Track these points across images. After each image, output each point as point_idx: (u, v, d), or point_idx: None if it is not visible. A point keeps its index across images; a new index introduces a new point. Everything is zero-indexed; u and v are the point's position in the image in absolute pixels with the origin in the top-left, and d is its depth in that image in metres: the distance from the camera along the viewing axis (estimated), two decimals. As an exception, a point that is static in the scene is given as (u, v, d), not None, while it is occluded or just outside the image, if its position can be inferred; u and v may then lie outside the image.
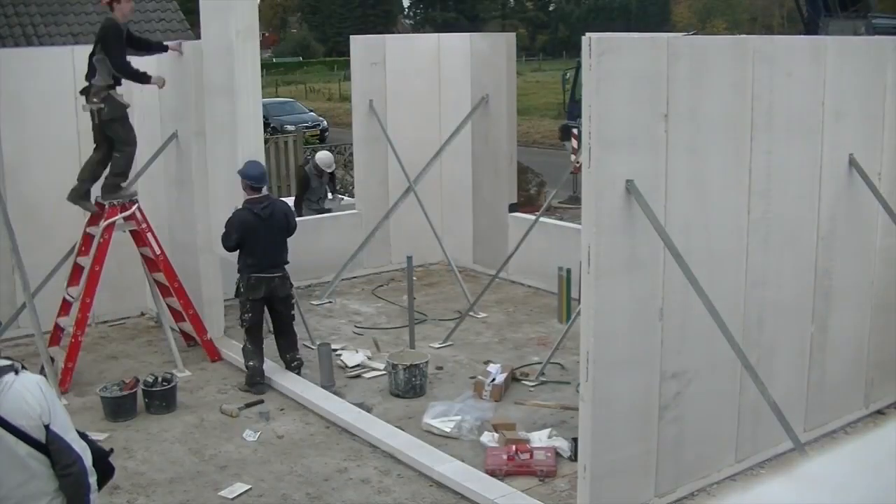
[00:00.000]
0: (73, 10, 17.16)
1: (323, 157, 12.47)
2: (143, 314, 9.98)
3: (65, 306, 8.51)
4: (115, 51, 7.99)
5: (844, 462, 1.12)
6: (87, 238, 8.44)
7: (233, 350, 8.56)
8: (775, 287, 6.32)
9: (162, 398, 7.49)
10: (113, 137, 8.30)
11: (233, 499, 6.12)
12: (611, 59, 5.17)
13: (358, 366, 8.41)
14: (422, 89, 11.55)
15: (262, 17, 74.69)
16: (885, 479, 1.07)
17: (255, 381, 7.85)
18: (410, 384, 7.71)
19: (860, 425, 7.11)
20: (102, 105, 8.08)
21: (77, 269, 8.46)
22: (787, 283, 6.44)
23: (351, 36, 11.94)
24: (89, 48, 8.27)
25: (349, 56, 11.58)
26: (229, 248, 7.85)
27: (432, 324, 9.72)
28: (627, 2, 69.46)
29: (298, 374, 7.99)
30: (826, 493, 1.05)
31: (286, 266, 7.95)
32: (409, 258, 8.71)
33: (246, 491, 6.20)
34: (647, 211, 5.29)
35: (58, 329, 8.50)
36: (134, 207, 8.40)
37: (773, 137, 6.11)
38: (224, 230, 7.82)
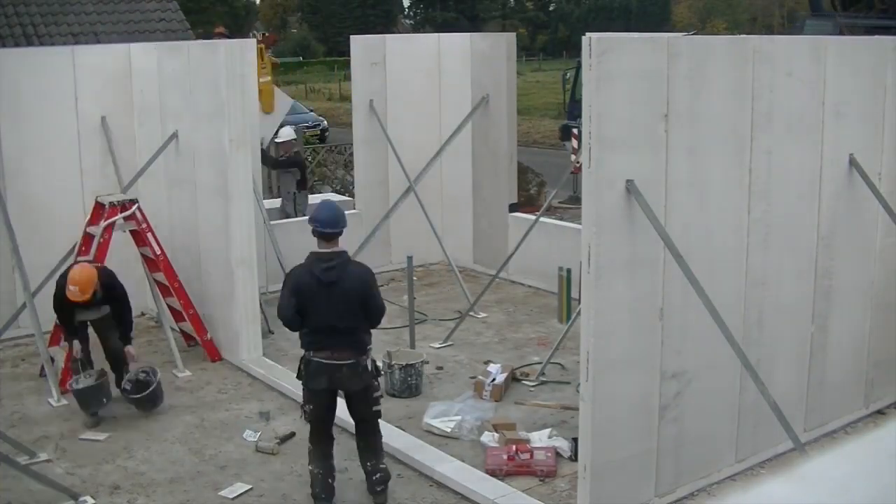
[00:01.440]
0: (73, 10, 17.16)
1: (282, 129, 11.62)
2: (143, 314, 9.97)
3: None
4: None
5: (844, 462, 1.12)
6: (88, 238, 8.36)
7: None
8: (775, 287, 6.32)
9: (147, 403, 7.40)
10: None
11: (233, 498, 6.12)
12: (611, 58, 5.17)
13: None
14: (422, 89, 11.55)
15: (262, 17, 74.21)
16: (885, 479, 1.07)
17: (314, 493, 5.92)
18: (406, 384, 7.71)
19: (860, 425, 7.11)
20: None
21: None
22: (788, 283, 6.44)
23: (351, 36, 11.94)
24: (89, 48, 8.32)
25: (349, 56, 11.58)
26: (290, 323, 5.83)
27: (432, 324, 9.72)
28: (627, 2, 69.43)
29: (383, 491, 5.97)
30: (826, 492, 1.05)
31: (363, 350, 5.81)
32: (410, 258, 8.72)
33: (246, 491, 6.20)
34: (647, 211, 5.29)
35: (58, 329, 8.35)
36: (134, 207, 8.35)
37: (773, 137, 6.11)
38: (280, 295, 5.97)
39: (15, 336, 8.96)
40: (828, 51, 6.46)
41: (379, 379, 6.01)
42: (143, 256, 8.72)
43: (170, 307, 8.86)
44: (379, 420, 5.99)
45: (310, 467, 5.95)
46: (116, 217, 8.26)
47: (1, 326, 8.43)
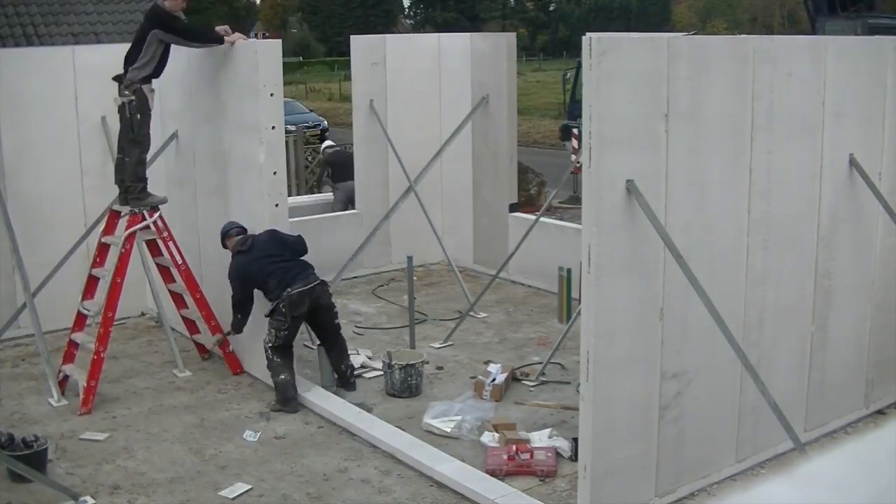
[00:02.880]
0: (73, 10, 17.17)
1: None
2: (143, 314, 9.98)
3: (79, 321, 8.02)
4: (183, 29, 7.81)
5: (845, 462, 1.12)
6: (103, 248, 8.05)
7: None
8: (775, 287, 6.32)
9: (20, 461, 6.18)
10: (123, 134, 7.99)
11: (233, 499, 6.12)
12: (611, 58, 5.17)
13: (360, 366, 8.41)
14: (422, 89, 11.55)
15: (263, 17, 74.27)
16: (886, 480, 1.07)
17: (290, 397, 7.36)
18: (406, 384, 7.71)
19: (860, 425, 7.11)
20: (133, 98, 7.83)
21: (92, 282, 8.08)
22: (788, 283, 6.44)
23: (351, 36, 11.94)
24: (89, 48, 8.28)
25: (349, 56, 11.58)
26: (243, 301, 7.58)
27: (433, 324, 9.72)
28: (628, 2, 69.43)
29: (354, 384, 7.72)
30: (826, 493, 1.04)
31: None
32: (410, 258, 8.71)
33: (247, 491, 6.20)
34: (647, 211, 5.29)
35: (72, 345, 7.93)
36: (156, 216, 7.99)
37: (773, 137, 6.11)
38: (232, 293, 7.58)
39: (15, 336, 8.96)
40: (828, 51, 6.46)
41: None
42: (158, 266, 8.40)
43: (184, 318, 8.61)
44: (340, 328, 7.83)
45: (280, 377, 7.35)
46: (139, 226, 7.88)
47: (1, 326, 8.43)
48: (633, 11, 67.46)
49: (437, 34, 13.01)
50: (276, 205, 7.73)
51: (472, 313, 9.61)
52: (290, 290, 7.24)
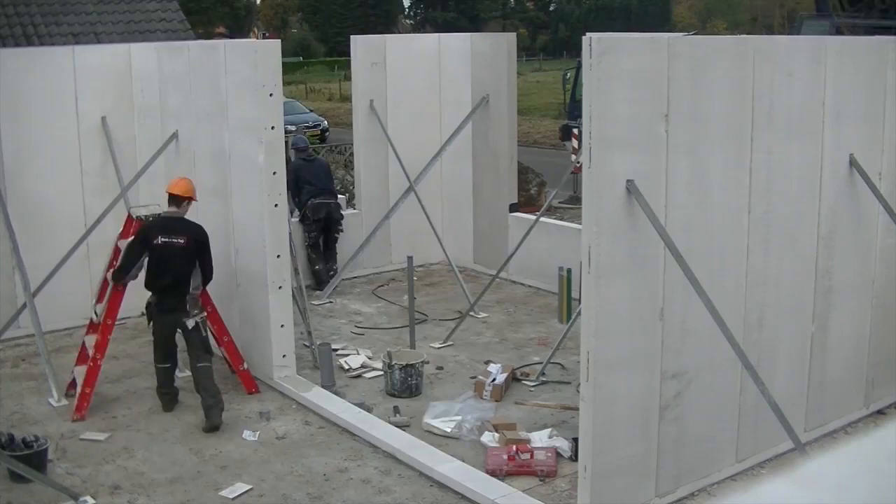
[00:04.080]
0: (73, 10, 17.15)
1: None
2: (143, 314, 9.96)
3: (93, 325, 7.82)
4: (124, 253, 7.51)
5: (845, 462, 1.12)
6: (119, 252, 7.78)
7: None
8: (776, 287, 6.32)
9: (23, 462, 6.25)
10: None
11: (233, 498, 6.12)
12: (611, 59, 5.17)
13: (360, 366, 8.41)
14: (422, 89, 11.55)
15: (263, 17, 74.14)
16: (886, 480, 1.07)
17: (323, 280, 10.69)
18: (406, 384, 7.71)
19: (860, 425, 7.11)
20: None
21: (105, 286, 7.76)
22: (788, 283, 6.44)
23: (351, 36, 11.94)
24: (89, 48, 8.27)
25: (349, 56, 11.58)
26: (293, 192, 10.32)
27: (433, 324, 9.72)
28: (628, 2, 69.43)
29: (325, 284, 10.65)
30: (826, 493, 1.04)
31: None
32: (410, 258, 8.71)
33: (247, 491, 6.20)
34: (647, 211, 5.29)
35: (85, 348, 7.81)
36: None
37: (773, 137, 6.11)
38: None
39: (15, 336, 8.95)
40: (828, 51, 6.46)
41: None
42: None
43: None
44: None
45: (316, 267, 10.84)
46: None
47: (1, 326, 8.42)
48: (634, 11, 67.46)
49: (437, 34, 13.00)
50: (276, 205, 7.73)
51: (472, 313, 9.61)
52: (313, 200, 10.69)
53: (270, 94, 7.62)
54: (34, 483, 6.15)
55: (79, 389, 7.42)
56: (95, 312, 7.76)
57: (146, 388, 7.99)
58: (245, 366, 7.91)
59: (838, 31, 15.67)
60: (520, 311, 10.16)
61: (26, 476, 6.13)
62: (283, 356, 7.94)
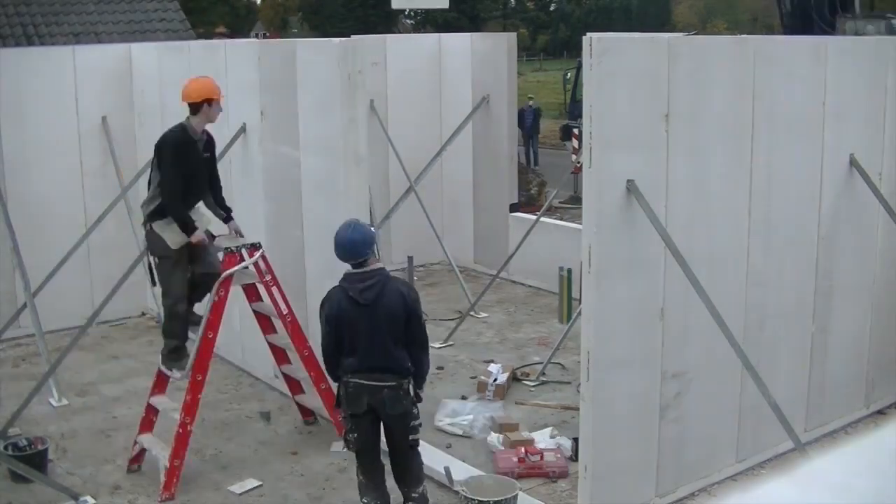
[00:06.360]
0: (73, 10, 17.15)
1: None
2: (144, 314, 9.98)
3: (159, 381, 6.67)
4: (164, 165, 6.33)
5: (845, 462, 1.11)
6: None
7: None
8: (776, 287, 6.32)
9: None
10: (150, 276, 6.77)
11: (240, 494, 6.13)
12: (611, 59, 5.17)
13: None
14: (422, 89, 11.55)
15: (263, 17, 73.99)
16: (886, 480, 1.07)
17: None
18: None
19: (861, 425, 7.11)
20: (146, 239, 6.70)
21: None
22: (788, 283, 6.44)
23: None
24: (89, 48, 8.24)
25: (350, 56, 11.56)
26: (328, 354, 5.47)
27: (433, 324, 9.70)
28: (628, 2, 69.41)
29: None
30: (827, 493, 1.04)
31: (405, 373, 5.39)
32: (410, 258, 8.72)
33: (256, 487, 6.22)
34: (647, 211, 5.29)
35: (151, 411, 6.57)
36: (258, 254, 6.51)
37: (773, 137, 6.11)
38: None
39: (15, 336, 8.96)
40: (828, 51, 6.46)
41: (418, 406, 5.55)
42: (257, 314, 7.05)
43: (285, 375, 7.23)
44: (417, 448, 5.58)
45: (364, 501, 5.53)
46: (237, 267, 6.41)
47: (1, 326, 8.43)
48: (634, 12, 67.43)
49: (437, 34, 13.02)
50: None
51: (472, 313, 9.61)
52: (349, 375, 5.38)
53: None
54: (35, 483, 6.16)
55: (165, 464, 6.12)
56: (168, 367, 6.61)
57: (146, 388, 7.97)
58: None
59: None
60: (520, 311, 10.16)
61: (27, 476, 6.13)
62: None
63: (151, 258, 6.63)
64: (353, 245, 5.29)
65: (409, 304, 5.38)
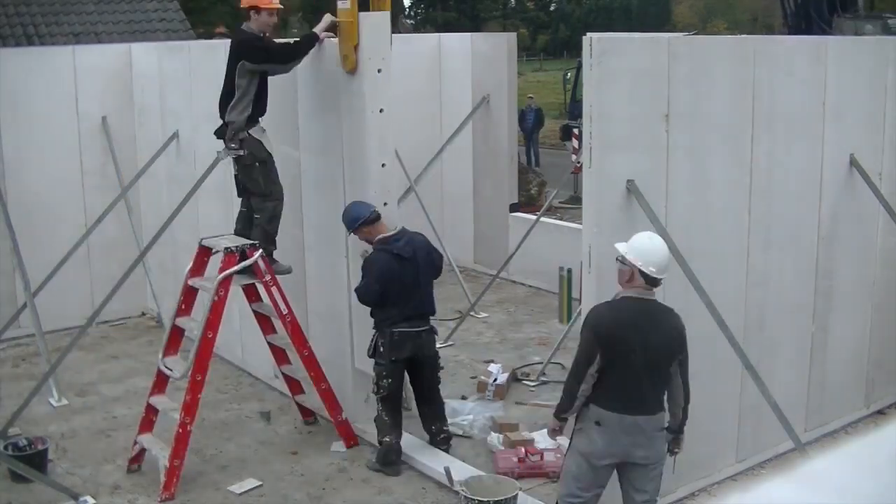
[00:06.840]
0: (73, 10, 17.15)
1: None
2: (143, 314, 9.98)
3: (159, 381, 6.67)
4: (269, 52, 6.65)
5: (845, 462, 1.12)
6: (190, 293, 6.66)
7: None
8: (776, 287, 6.32)
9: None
10: (251, 188, 6.91)
11: (240, 494, 6.13)
12: (612, 59, 5.17)
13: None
14: (422, 89, 11.54)
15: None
16: (886, 479, 1.07)
17: (390, 461, 6.41)
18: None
19: (861, 425, 7.11)
20: (241, 149, 6.71)
21: (176, 333, 6.75)
22: (788, 283, 6.44)
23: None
24: (89, 48, 8.20)
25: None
26: (373, 303, 6.28)
27: (433, 323, 9.70)
28: (628, 2, 69.40)
29: (447, 450, 6.58)
30: (827, 493, 1.04)
31: (434, 312, 6.54)
32: (410, 258, 8.70)
33: (256, 487, 6.23)
34: (647, 211, 5.29)
35: (150, 411, 6.59)
36: (257, 255, 6.54)
37: (773, 137, 6.11)
38: (361, 280, 6.36)
39: (15, 336, 8.96)
40: (828, 51, 6.46)
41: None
42: (257, 314, 7.14)
43: (285, 375, 7.27)
44: (439, 384, 6.67)
45: (385, 438, 6.41)
46: (234, 268, 6.45)
47: (1, 326, 8.43)
48: (634, 12, 67.42)
49: (437, 34, 13.02)
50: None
51: (472, 313, 9.61)
52: (395, 328, 6.29)
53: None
54: (35, 483, 6.16)
55: (164, 463, 6.16)
56: (167, 366, 6.60)
57: (146, 388, 7.97)
58: (344, 416, 6.88)
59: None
60: (520, 311, 10.16)
61: (27, 476, 6.13)
62: None
63: (251, 164, 6.79)
64: (346, 214, 6.44)
65: (433, 255, 6.59)
